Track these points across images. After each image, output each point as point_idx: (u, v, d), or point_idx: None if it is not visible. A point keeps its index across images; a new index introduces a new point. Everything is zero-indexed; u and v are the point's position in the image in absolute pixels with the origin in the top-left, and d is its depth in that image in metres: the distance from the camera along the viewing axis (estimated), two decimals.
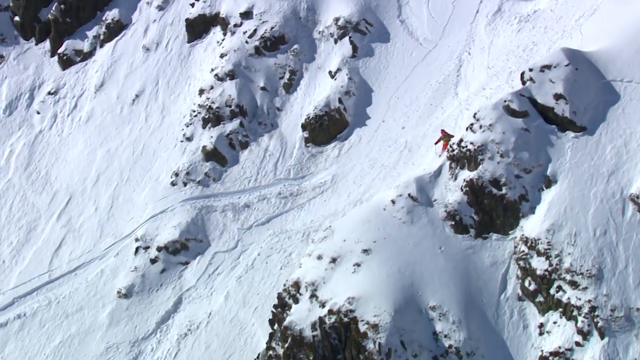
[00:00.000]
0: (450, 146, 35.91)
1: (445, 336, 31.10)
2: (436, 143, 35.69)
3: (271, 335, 34.47)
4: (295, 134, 49.24)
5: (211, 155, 49.11)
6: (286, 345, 32.33)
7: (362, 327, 30.98)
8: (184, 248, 44.22)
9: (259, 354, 35.04)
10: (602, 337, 28.14)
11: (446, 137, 34.88)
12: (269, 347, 34.03)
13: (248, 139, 50.00)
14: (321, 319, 31.77)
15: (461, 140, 35.60)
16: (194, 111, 52.00)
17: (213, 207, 46.09)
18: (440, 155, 35.85)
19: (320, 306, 32.56)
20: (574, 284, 29.53)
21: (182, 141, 51.36)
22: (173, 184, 48.43)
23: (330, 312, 31.86)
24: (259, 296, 39.90)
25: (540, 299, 30.32)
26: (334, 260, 32.27)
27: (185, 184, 48.02)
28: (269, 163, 48.09)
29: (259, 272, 41.13)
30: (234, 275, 41.69)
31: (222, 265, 42.92)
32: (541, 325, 30.13)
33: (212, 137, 49.69)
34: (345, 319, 31.38)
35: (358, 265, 33.12)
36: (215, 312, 40.05)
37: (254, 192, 46.62)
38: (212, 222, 45.27)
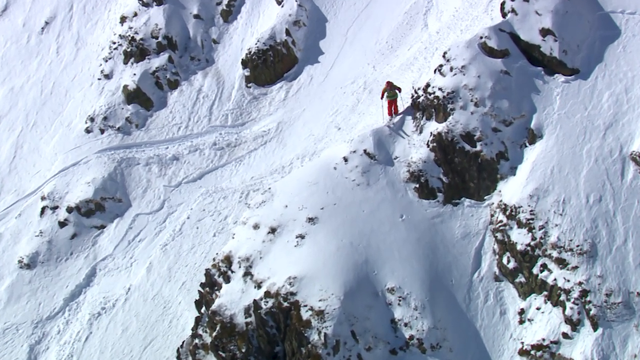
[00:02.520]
0: (415, 92, 31.70)
1: (406, 325, 28.64)
2: (382, 98, 32.06)
3: (197, 320, 31.78)
4: (234, 71, 46.88)
5: (134, 96, 46.44)
6: (214, 333, 29.47)
7: (305, 314, 28.28)
8: (99, 209, 41.80)
9: (183, 342, 32.31)
10: (595, 328, 26.27)
11: (392, 90, 31.45)
12: (194, 335, 31.34)
13: (178, 78, 47.49)
14: (256, 303, 28.99)
15: (428, 85, 32.75)
16: (114, 43, 49.01)
17: (135, 159, 43.63)
18: (385, 119, 32.28)
19: (255, 287, 29.91)
20: (561, 263, 27.63)
21: (99, 79, 48.73)
22: (88, 130, 45.80)
23: (268, 294, 29.12)
24: (187, 269, 37.43)
25: (521, 279, 28.63)
26: (273, 230, 30.27)
27: (102, 131, 45.53)
28: (203, 107, 45.77)
29: (188, 240, 38.80)
30: (158, 242, 39.27)
31: (144, 230, 40.55)
32: (522, 312, 28.26)
33: (135, 74, 46.91)
34: (285, 304, 28.66)
35: (302, 237, 30.46)
36: (136, 287, 37.61)
37: (184, 142, 44.25)
38: (134, 177, 42.91)
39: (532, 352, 27.54)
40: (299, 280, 28.99)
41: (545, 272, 28.69)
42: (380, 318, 28.63)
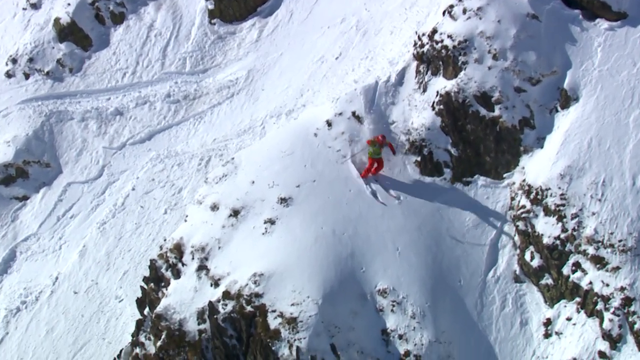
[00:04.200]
0: (419, 39, 31.74)
1: (401, 337, 27.62)
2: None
3: (139, 324, 30.50)
4: (194, 3, 45.51)
5: (67, 32, 44.94)
6: (159, 343, 28.44)
7: (273, 322, 27.19)
8: (21, 175, 40.61)
9: (121, 350, 31.19)
10: None
11: (377, 147, 29.75)
12: (135, 342, 30.11)
13: (124, 10, 46.15)
14: (212, 306, 27.84)
15: (434, 31, 31.69)
16: None
17: (68, 113, 42.32)
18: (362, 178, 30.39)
19: (212, 285, 28.82)
20: (599, 262, 26.89)
21: (24, 9, 47.29)
22: (9, 75, 44.59)
23: (227, 295, 27.97)
24: (130, 255, 36.41)
25: (547, 281, 28.36)
26: (235, 213, 29.60)
27: (27, 76, 44.22)
28: (155, 48, 44.57)
29: (132, 217, 37.84)
30: (95, 220, 38.25)
31: (78, 203, 39.51)
32: (548, 323, 27.95)
33: (69, 4, 45.41)
34: (249, 308, 27.58)
35: (271, 222, 29.43)
36: (65, 276, 36.47)
37: (130, 93, 43.08)
38: (66, 136, 41.81)
39: None
40: (267, 279, 27.99)
41: (579, 273, 27.86)
42: (368, 328, 27.78)
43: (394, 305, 28.02)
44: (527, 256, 28.89)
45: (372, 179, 30.06)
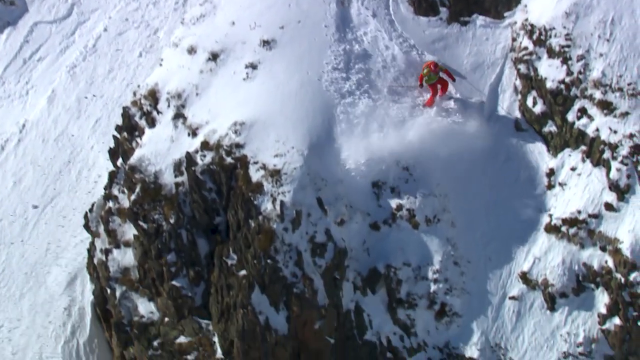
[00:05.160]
0: None
1: (393, 190, 26.62)
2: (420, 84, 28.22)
3: (112, 176, 29.11)
4: None
5: None
6: (133, 196, 27.15)
7: (255, 175, 25.81)
8: None
9: (93, 204, 29.68)
10: None
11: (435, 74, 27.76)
12: (107, 196, 28.80)
13: None
14: (190, 157, 26.44)
15: None
16: None
17: None
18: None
19: (189, 134, 27.46)
20: (607, 107, 25.97)
21: None
22: None
23: (205, 145, 26.65)
24: (103, 101, 34.69)
25: (551, 128, 27.38)
26: (214, 56, 28.18)
27: None
28: None
29: (104, 60, 35.95)
30: (64, 63, 36.37)
31: (46, 45, 37.50)
32: (551, 173, 27.01)
33: None
34: (229, 159, 26.25)
35: (253, 67, 27.96)
36: (33, 123, 34.88)
37: None
38: None
39: (564, 229, 25.90)
40: (248, 128, 26.59)
41: (584, 120, 26.76)
42: (357, 181, 26.55)
43: None
44: (529, 102, 27.88)
45: None
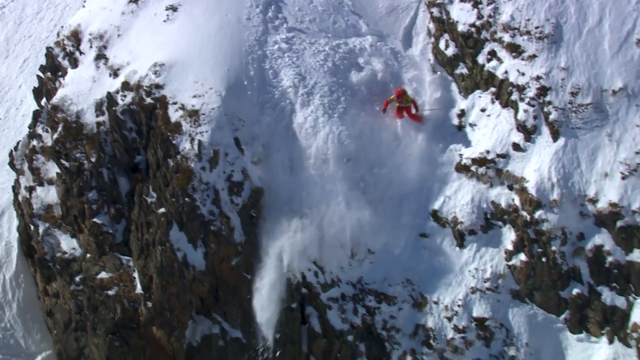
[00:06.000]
0: None
1: (309, 131, 26.74)
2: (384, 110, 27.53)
3: (36, 115, 29.08)
4: None
5: None
6: (55, 135, 27.17)
7: (174, 115, 25.92)
8: None
9: (18, 142, 29.81)
10: (555, 138, 25.18)
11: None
12: (32, 134, 28.85)
13: None
14: (111, 97, 26.51)
15: None
16: None
17: None
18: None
19: (111, 75, 27.49)
20: (515, 50, 26.25)
21: None
22: None
23: (126, 86, 26.66)
24: (31, 41, 34.90)
25: (462, 70, 27.64)
26: None
27: None
28: None
29: (33, 1, 36.28)
30: None
31: None
32: (462, 114, 27.29)
33: None
34: (149, 100, 26.31)
35: (173, 9, 28.00)
36: None
37: None
38: None
39: (473, 168, 26.32)
40: (168, 69, 26.61)
41: (494, 62, 26.89)
42: (274, 121, 26.75)
43: (303, 97, 27.10)
44: (442, 45, 27.99)
45: None
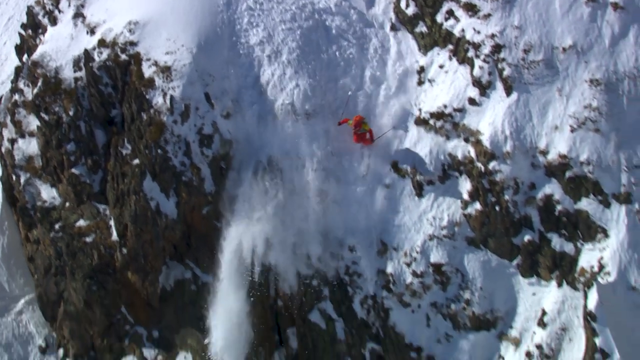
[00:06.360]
0: None
1: (276, 86, 27.67)
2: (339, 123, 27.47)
3: (18, 71, 30.08)
4: None
5: None
6: (35, 90, 28.27)
7: (148, 71, 26.87)
8: None
9: (1, 96, 30.98)
10: (508, 92, 25.84)
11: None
12: (14, 89, 29.81)
13: None
14: (88, 54, 27.43)
15: None
16: None
17: None
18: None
19: (88, 33, 28.31)
20: (471, 9, 26.86)
21: None
22: None
23: (102, 43, 27.52)
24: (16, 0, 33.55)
25: (422, 29, 28.15)
26: None
27: None
28: None
29: None
30: None
31: None
32: (421, 70, 27.90)
33: None
34: (124, 56, 27.22)
35: None
36: None
37: None
38: None
39: (431, 122, 26.90)
40: (142, 27, 27.44)
41: (452, 21, 27.42)
42: (242, 76, 27.65)
43: (271, 56, 27.85)
44: (403, 4, 28.47)
45: None
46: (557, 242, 25.43)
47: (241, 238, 26.43)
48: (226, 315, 26.27)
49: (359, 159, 27.35)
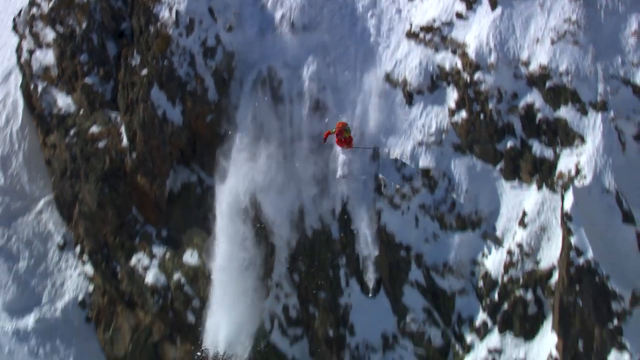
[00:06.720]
0: None
1: (279, 2, 28.69)
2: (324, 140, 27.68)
3: None
4: None
5: None
6: (51, 4, 29.75)
7: None
8: None
9: (20, 10, 31.97)
10: (493, 7, 26.50)
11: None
12: (32, 2, 31.17)
13: None
14: None
15: None
16: None
17: None
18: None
19: None
20: None
21: None
22: None
23: None
24: None
25: None
26: None
27: None
28: None
29: None
30: None
31: None
32: None
33: None
34: None
35: None
36: None
37: None
38: None
39: (421, 35, 27.64)
40: None
41: None
42: None
43: None
44: None
45: None
46: (537, 147, 26.14)
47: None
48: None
49: (352, 68, 28.25)
